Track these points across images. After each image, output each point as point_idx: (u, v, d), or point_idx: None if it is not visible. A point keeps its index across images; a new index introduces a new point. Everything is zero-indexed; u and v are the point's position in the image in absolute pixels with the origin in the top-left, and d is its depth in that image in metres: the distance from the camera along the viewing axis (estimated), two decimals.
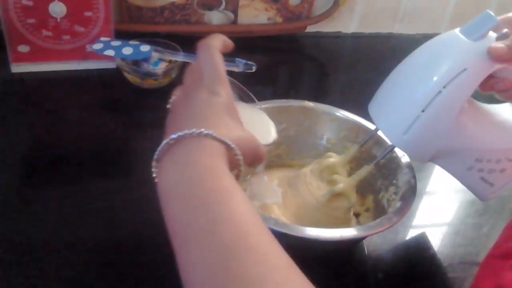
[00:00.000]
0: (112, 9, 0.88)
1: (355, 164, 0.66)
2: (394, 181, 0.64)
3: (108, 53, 0.84)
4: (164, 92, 0.89)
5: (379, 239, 0.66)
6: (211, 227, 0.35)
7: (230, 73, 0.85)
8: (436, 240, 0.69)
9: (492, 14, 0.50)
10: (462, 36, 0.51)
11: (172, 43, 0.90)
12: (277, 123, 0.72)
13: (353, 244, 0.64)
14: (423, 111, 0.51)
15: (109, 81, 0.90)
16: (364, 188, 0.69)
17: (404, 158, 0.65)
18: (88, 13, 0.87)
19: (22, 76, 0.88)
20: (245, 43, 1.10)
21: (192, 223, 0.35)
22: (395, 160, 0.65)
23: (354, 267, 0.64)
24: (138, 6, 1.01)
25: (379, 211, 0.65)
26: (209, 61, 0.46)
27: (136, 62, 0.87)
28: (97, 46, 0.86)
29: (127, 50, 0.85)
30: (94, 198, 0.66)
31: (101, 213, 0.64)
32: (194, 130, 0.39)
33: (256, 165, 0.47)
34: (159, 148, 0.40)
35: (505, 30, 0.51)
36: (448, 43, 0.52)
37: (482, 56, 0.50)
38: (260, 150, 0.46)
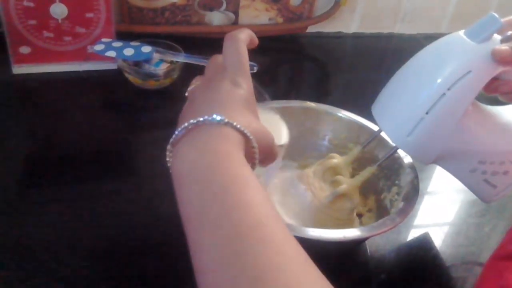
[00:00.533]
0: (113, 10, 0.88)
1: (357, 165, 0.66)
2: (396, 182, 0.64)
3: (110, 54, 0.85)
4: (165, 93, 0.90)
5: (381, 240, 0.66)
6: (228, 214, 0.34)
7: None
8: (438, 241, 0.69)
9: (497, 16, 0.50)
10: (467, 39, 0.51)
11: (173, 44, 0.90)
12: None
13: (356, 245, 0.64)
14: (427, 113, 0.51)
15: (110, 82, 0.90)
16: (366, 189, 0.69)
17: (407, 158, 0.65)
18: (89, 14, 0.87)
19: (23, 78, 0.88)
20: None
21: (208, 209, 0.35)
22: (398, 160, 0.65)
23: (356, 267, 0.64)
24: (139, 7, 1.01)
25: (381, 211, 0.65)
26: (235, 53, 0.46)
27: (137, 63, 0.87)
28: (98, 47, 0.86)
29: (128, 51, 0.85)
30: (96, 199, 0.66)
31: (103, 214, 0.64)
32: (214, 116, 0.39)
33: (267, 163, 0.47)
34: (176, 133, 0.40)
35: (509, 32, 0.51)
36: (453, 45, 0.52)
37: (486, 59, 0.50)
38: (274, 148, 0.46)
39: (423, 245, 0.68)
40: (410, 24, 1.21)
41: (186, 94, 0.48)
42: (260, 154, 0.42)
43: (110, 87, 0.90)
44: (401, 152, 0.65)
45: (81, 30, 0.88)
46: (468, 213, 0.76)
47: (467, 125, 0.53)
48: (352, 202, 0.62)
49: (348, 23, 1.19)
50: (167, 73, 0.87)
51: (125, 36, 0.91)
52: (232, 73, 0.45)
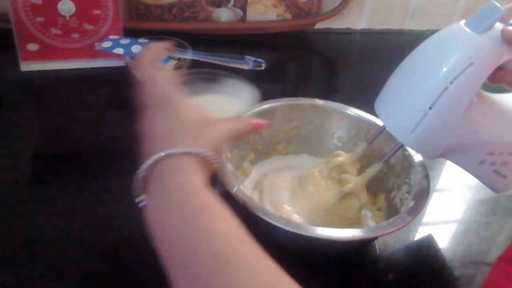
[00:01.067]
0: (120, 7, 0.88)
1: (366, 162, 0.65)
2: (406, 180, 0.64)
3: (117, 51, 0.84)
4: None
5: (390, 238, 0.66)
6: (192, 249, 0.36)
7: (238, 71, 0.86)
8: (447, 239, 0.69)
9: (498, 4, 0.48)
10: (467, 29, 0.49)
11: (181, 41, 0.89)
12: (287, 121, 0.72)
13: (365, 244, 0.64)
14: (430, 108, 0.50)
15: (118, 80, 0.90)
16: (376, 187, 0.68)
17: (417, 156, 0.64)
18: (97, 11, 0.87)
19: (31, 75, 0.88)
20: (254, 40, 1.11)
21: (177, 249, 0.37)
22: (408, 158, 0.64)
23: (365, 266, 0.63)
24: (146, 3, 1.01)
25: (391, 210, 0.65)
26: (149, 80, 0.49)
27: None
28: (106, 44, 0.86)
29: (136, 48, 0.85)
30: (104, 197, 0.66)
31: (110, 212, 0.64)
32: (159, 154, 0.41)
33: (257, 130, 0.49)
34: (134, 181, 0.42)
35: None
36: (453, 37, 0.50)
37: (489, 49, 0.48)
38: (240, 126, 0.48)
39: (432, 244, 0.68)
40: (420, 20, 1.20)
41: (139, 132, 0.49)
42: (234, 139, 0.46)
43: (117, 84, 0.90)
44: (411, 150, 0.64)
45: (89, 27, 0.88)
46: (476, 212, 0.75)
47: (472, 118, 0.51)
48: (360, 200, 0.62)
49: (357, 19, 1.18)
50: (175, 70, 0.87)
51: (132, 33, 0.90)
52: (159, 100, 0.46)
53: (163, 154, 0.41)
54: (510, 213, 0.75)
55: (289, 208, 0.62)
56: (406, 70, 0.54)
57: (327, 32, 1.16)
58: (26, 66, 0.88)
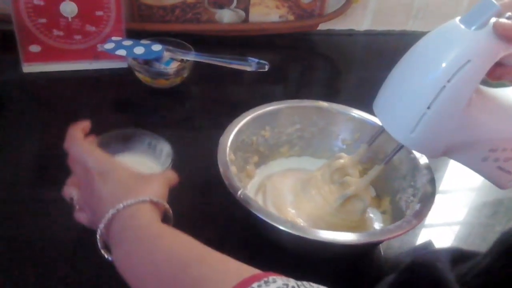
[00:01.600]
0: (123, 8, 0.88)
1: (371, 164, 0.65)
2: (412, 183, 0.63)
3: (120, 52, 0.84)
4: (175, 92, 0.90)
5: (395, 241, 0.65)
6: (159, 272, 0.42)
7: (242, 72, 0.86)
8: (451, 242, 0.68)
9: (493, 0, 0.47)
10: (463, 26, 0.48)
11: (184, 42, 0.89)
12: (291, 123, 0.71)
13: (370, 247, 0.63)
14: (428, 108, 0.49)
15: (121, 81, 0.90)
16: (380, 190, 0.68)
17: (423, 159, 0.63)
18: (99, 13, 0.87)
19: (33, 76, 0.88)
20: (256, 42, 1.10)
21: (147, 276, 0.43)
22: (413, 161, 0.63)
23: (370, 268, 0.63)
24: (149, 4, 1.00)
25: (396, 213, 0.64)
26: (81, 151, 0.52)
27: (148, 62, 0.86)
28: (109, 45, 0.85)
29: (139, 50, 0.85)
30: None
31: None
32: (117, 207, 0.46)
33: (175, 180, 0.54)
34: (97, 239, 0.47)
35: (508, 13, 0.47)
36: (448, 34, 0.49)
37: (485, 46, 0.47)
38: (174, 176, 0.54)
39: (435, 245, 0.67)
40: (423, 21, 1.19)
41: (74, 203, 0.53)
42: (165, 193, 0.51)
43: (120, 86, 0.90)
44: (416, 153, 0.64)
45: (91, 28, 0.88)
46: (479, 213, 0.74)
47: (472, 115, 0.50)
48: (363, 203, 0.61)
49: (360, 20, 1.17)
50: (178, 72, 0.87)
51: (135, 35, 0.90)
52: (95, 168, 0.50)
53: (121, 205, 0.46)
54: None
55: (293, 211, 0.61)
56: (403, 70, 0.52)
57: (330, 33, 1.16)
58: (28, 68, 0.87)
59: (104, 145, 0.61)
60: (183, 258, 0.42)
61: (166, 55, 0.87)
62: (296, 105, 0.71)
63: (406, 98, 0.51)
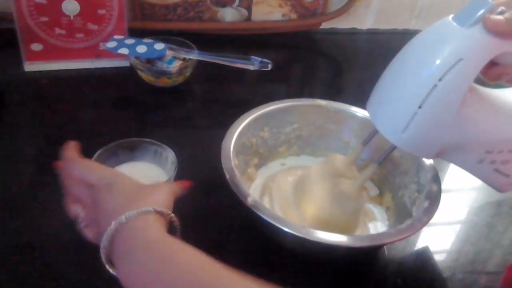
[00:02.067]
0: (125, 7, 0.87)
1: (369, 164, 0.64)
2: (415, 179, 0.63)
3: (122, 51, 0.84)
4: (178, 91, 0.89)
5: (400, 242, 0.65)
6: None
7: (245, 71, 0.86)
8: (451, 240, 0.68)
9: None
10: (455, 24, 0.47)
11: (186, 41, 0.89)
12: (289, 123, 0.71)
13: (374, 249, 0.63)
14: (420, 107, 0.48)
15: (123, 80, 0.90)
16: (382, 186, 0.68)
17: None
18: (101, 11, 0.86)
19: (35, 75, 0.87)
20: (259, 40, 1.10)
21: None
22: (415, 156, 0.63)
23: (374, 269, 0.63)
24: (151, 3, 1.00)
25: (400, 208, 0.64)
26: (83, 169, 0.51)
27: (150, 61, 0.86)
28: (111, 44, 0.85)
29: (141, 48, 0.85)
30: None
31: None
32: (119, 219, 0.44)
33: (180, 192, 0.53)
34: (101, 252, 0.45)
35: (500, 8, 0.46)
36: (440, 32, 0.48)
37: (478, 43, 0.46)
38: (179, 187, 0.52)
39: (439, 247, 0.67)
40: (426, 20, 1.19)
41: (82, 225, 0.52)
42: (172, 200, 0.49)
43: (122, 84, 0.90)
44: None
45: (93, 27, 0.87)
46: (481, 212, 0.74)
47: (467, 115, 0.49)
48: (357, 203, 0.60)
49: (363, 19, 1.17)
50: (180, 71, 0.86)
51: (137, 33, 0.90)
52: (98, 182, 0.49)
53: (123, 217, 0.44)
54: None
55: (296, 212, 0.61)
56: (395, 69, 0.52)
57: (333, 32, 1.16)
58: (30, 66, 0.87)
59: (111, 154, 0.62)
60: (196, 279, 0.40)
61: (169, 53, 0.87)
62: (294, 104, 0.71)
63: (398, 97, 0.50)
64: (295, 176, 0.66)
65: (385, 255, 0.64)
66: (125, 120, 0.82)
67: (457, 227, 0.71)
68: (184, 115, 0.87)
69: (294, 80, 1.03)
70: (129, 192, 0.48)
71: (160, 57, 0.86)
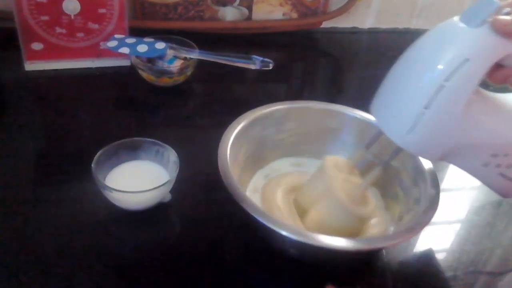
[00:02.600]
0: (126, 6, 0.87)
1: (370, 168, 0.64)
2: (413, 183, 0.62)
3: (123, 50, 0.84)
4: (179, 90, 0.89)
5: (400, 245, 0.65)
6: None
7: (246, 70, 0.85)
8: (454, 242, 0.68)
9: None
10: (462, 24, 0.47)
11: (187, 40, 0.89)
12: (288, 124, 0.70)
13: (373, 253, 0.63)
14: (426, 108, 0.48)
15: (124, 79, 0.90)
16: (384, 192, 0.67)
17: (426, 162, 0.62)
18: (102, 10, 0.86)
19: (35, 74, 0.87)
20: (259, 39, 1.10)
21: None
22: (416, 162, 0.62)
23: (372, 273, 0.62)
24: (151, 2, 1.00)
25: (398, 212, 0.64)
26: None
27: (151, 60, 0.86)
28: (112, 43, 0.85)
29: (142, 48, 0.84)
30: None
31: (115, 214, 0.63)
32: None
33: None
34: None
35: (507, 9, 0.46)
36: (447, 32, 0.48)
37: (484, 44, 0.46)
38: None
39: (439, 248, 0.67)
40: (427, 19, 1.19)
41: None
42: None
43: (123, 84, 0.90)
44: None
45: (94, 26, 0.87)
46: (482, 211, 0.74)
47: (472, 117, 0.49)
48: (362, 209, 0.60)
49: (364, 18, 1.17)
50: (181, 70, 0.86)
51: (138, 32, 0.90)
52: None
53: None
54: None
55: (295, 217, 0.61)
56: (400, 69, 0.51)
57: (333, 31, 1.16)
58: (31, 66, 0.87)
59: (112, 154, 0.62)
60: None
61: (170, 53, 0.86)
62: (293, 106, 0.70)
63: (403, 98, 0.50)
64: (293, 178, 0.66)
65: (385, 255, 0.63)
66: (126, 119, 0.82)
67: (458, 227, 0.71)
68: (185, 114, 0.87)
69: (295, 79, 1.03)
70: None
71: (161, 57, 0.86)
